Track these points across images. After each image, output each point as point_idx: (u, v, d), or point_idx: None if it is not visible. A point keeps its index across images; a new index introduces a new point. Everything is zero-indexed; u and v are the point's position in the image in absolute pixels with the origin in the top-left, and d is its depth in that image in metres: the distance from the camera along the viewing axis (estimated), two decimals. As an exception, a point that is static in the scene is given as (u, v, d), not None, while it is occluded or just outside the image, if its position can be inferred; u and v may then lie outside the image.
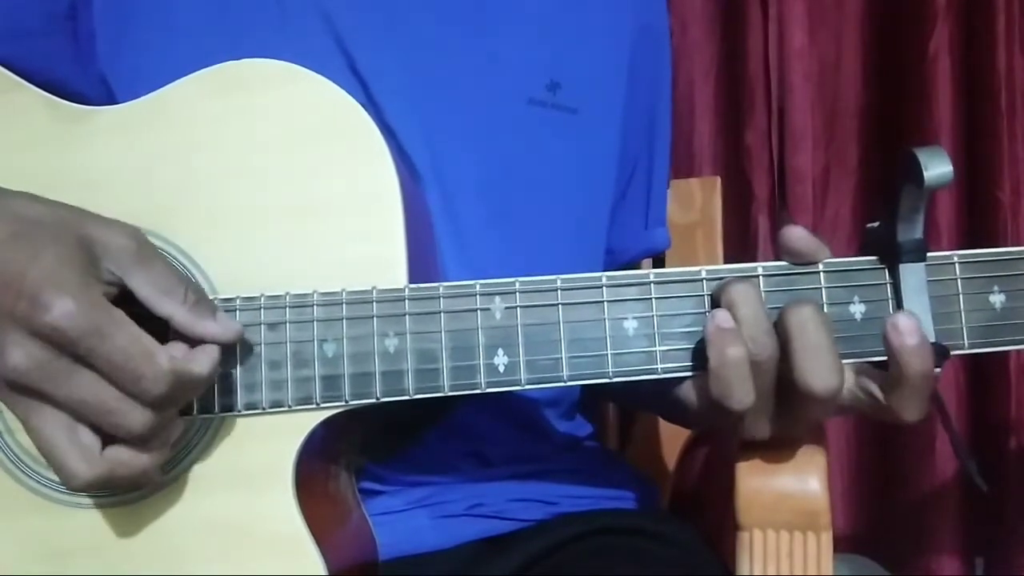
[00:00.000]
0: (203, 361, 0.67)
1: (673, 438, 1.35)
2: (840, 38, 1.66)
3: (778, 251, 0.75)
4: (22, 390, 0.63)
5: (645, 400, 1.13)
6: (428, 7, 0.93)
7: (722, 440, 0.82)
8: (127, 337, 0.63)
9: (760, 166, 1.66)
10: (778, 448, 0.79)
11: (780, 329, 0.71)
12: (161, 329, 0.67)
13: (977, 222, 1.56)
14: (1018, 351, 0.75)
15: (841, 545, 1.60)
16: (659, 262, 1.23)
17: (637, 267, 1.12)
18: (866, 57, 1.66)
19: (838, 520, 1.63)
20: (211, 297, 0.73)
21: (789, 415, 0.74)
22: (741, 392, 0.71)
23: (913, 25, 1.59)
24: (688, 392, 0.78)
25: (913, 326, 0.69)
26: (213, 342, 0.68)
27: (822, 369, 0.70)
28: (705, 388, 0.72)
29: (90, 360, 0.63)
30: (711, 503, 1.28)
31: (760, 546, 0.77)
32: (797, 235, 0.74)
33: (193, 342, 0.68)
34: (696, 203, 1.42)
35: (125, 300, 0.66)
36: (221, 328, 0.68)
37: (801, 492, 0.77)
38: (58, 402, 0.63)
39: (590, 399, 1.08)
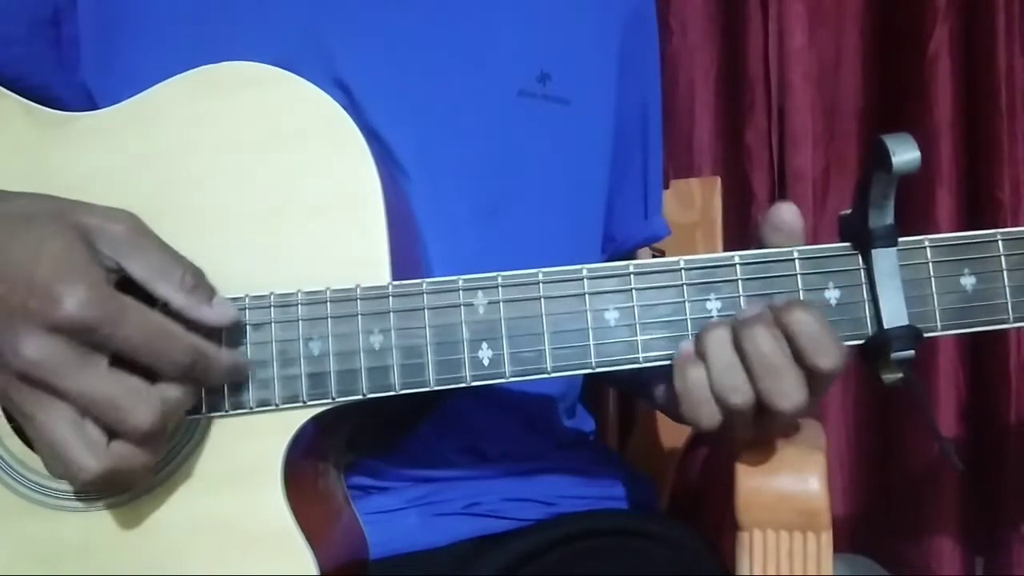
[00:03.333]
0: (225, 351, 0.70)
1: (673, 438, 1.35)
2: (840, 38, 1.66)
3: (762, 231, 0.75)
4: (32, 383, 0.63)
5: (643, 393, 1.14)
6: (412, 3, 0.92)
7: (722, 440, 0.82)
8: (142, 318, 0.65)
9: (760, 166, 1.66)
10: (778, 448, 0.79)
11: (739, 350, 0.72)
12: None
13: (977, 222, 1.56)
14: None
15: (841, 545, 1.60)
16: (657, 250, 1.23)
17: (633, 256, 1.12)
18: (866, 57, 1.66)
19: (838, 520, 1.63)
20: None
21: (766, 424, 0.75)
22: (706, 415, 0.73)
23: (913, 25, 1.59)
24: (671, 408, 0.80)
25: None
26: (209, 326, 0.69)
27: (787, 388, 0.71)
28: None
29: (109, 345, 0.64)
30: (711, 503, 1.28)
31: (760, 546, 0.77)
32: (791, 210, 0.75)
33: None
34: (696, 203, 1.43)
35: (129, 289, 0.67)
36: (216, 314, 0.69)
37: (801, 492, 0.77)
38: (67, 395, 0.64)
39: (590, 395, 1.08)
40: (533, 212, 0.95)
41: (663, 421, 1.36)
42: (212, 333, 0.70)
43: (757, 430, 0.76)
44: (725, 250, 1.38)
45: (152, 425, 0.65)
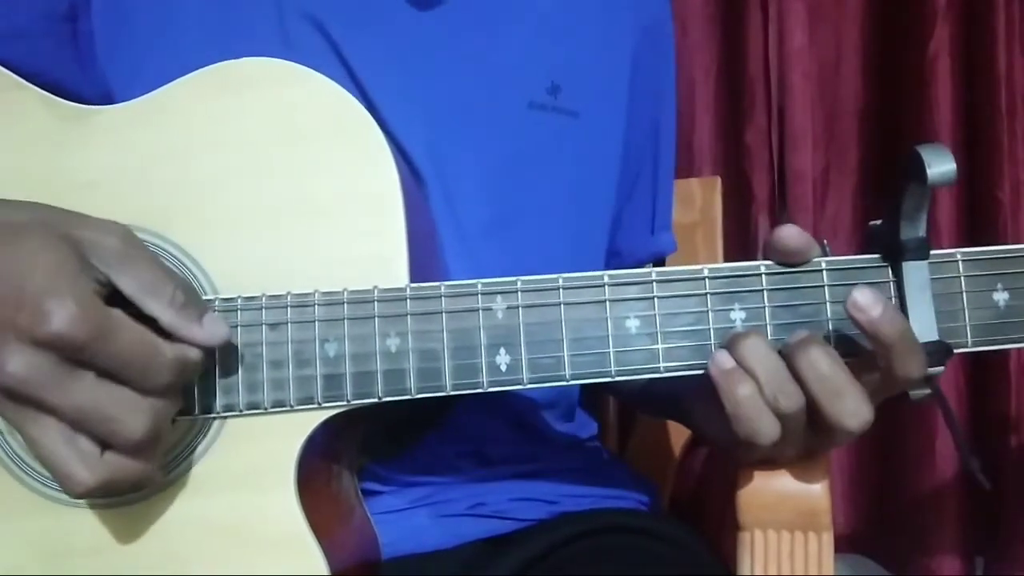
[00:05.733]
0: (193, 348, 0.68)
1: (673, 440, 1.35)
2: (840, 38, 1.66)
3: (767, 252, 0.74)
4: (20, 399, 0.62)
5: (654, 407, 1.13)
6: (426, 12, 0.92)
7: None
8: (131, 334, 0.63)
9: (760, 166, 1.66)
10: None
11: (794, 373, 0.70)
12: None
13: (977, 222, 1.57)
14: (1018, 350, 0.74)
15: (841, 545, 1.61)
16: (659, 261, 1.23)
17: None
18: (866, 57, 1.67)
19: (838, 520, 1.63)
20: (212, 297, 0.73)
21: (820, 439, 0.74)
22: (766, 427, 0.70)
23: (913, 25, 1.59)
24: (715, 432, 0.78)
25: (872, 298, 0.68)
26: (198, 346, 0.68)
27: (852, 407, 0.70)
28: (730, 429, 0.72)
29: (97, 362, 0.62)
30: (711, 503, 1.28)
31: (761, 546, 0.77)
32: (790, 233, 0.72)
33: None
34: (696, 203, 1.43)
35: (119, 302, 0.66)
36: (206, 334, 0.68)
37: (802, 492, 0.77)
38: (56, 410, 0.63)
39: (590, 399, 1.08)
40: (539, 224, 0.95)
41: (663, 423, 1.36)
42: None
43: (812, 447, 0.75)
44: (725, 251, 1.39)
45: (145, 434, 0.64)
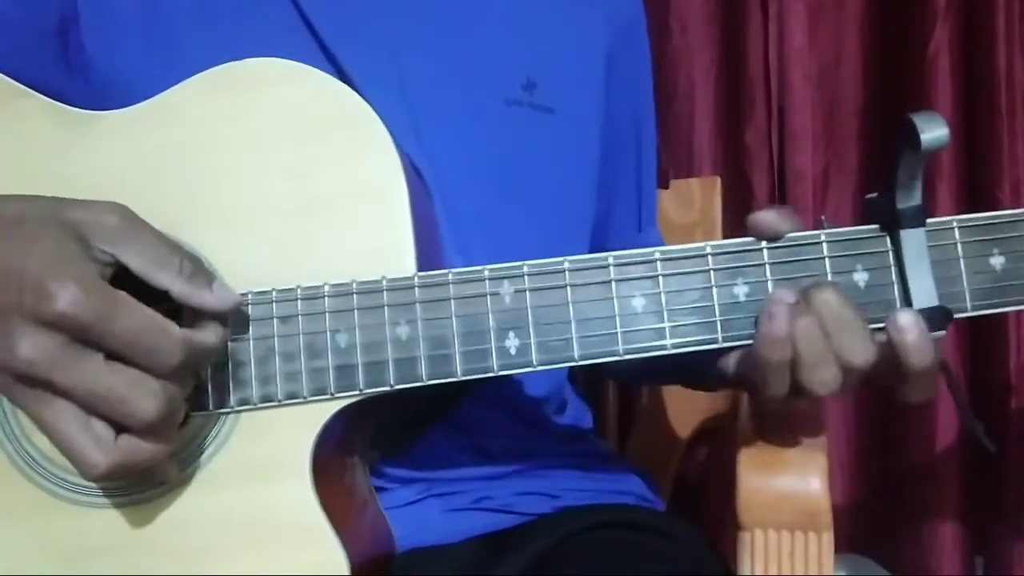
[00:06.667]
0: (212, 330, 0.68)
1: (673, 435, 1.35)
2: (840, 38, 1.66)
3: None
4: (33, 383, 0.63)
5: (656, 375, 1.14)
6: (407, 9, 0.93)
7: (723, 440, 0.82)
8: (136, 314, 0.64)
9: (760, 166, 1.66)
10: (779, 448, 0.80)
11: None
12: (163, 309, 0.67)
13: (977, 222, 1.57)
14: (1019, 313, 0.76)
15: (841, 545, 1.61)
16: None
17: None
18: (866, 57, 1.67)
19: (838, 520, 1.63)
20: None
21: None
22: (825, 374, 0.72)
23: (913, 25, 1.59)
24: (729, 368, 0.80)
25: (912, 321, 0.70)
26: (211, 311, 0.68)
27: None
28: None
29: (103, 342, 0.63)
30: (712, 503, 1.28)
31: (761, 546, 0.78)
32: (767, 217, 0.75)
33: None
34: (696, 203, 1.43)
35: (124, 282, 0.66)
36: (216, 299, 0.68)
37: (802, 492, 0.78)
38: (69, 392, 0.63)
39: (587, 388, 1.08)
40: (525, 217, 0.96)
41: (663, 418, 1.36)
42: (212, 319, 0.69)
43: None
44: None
45: (158, 415, 0.64)
